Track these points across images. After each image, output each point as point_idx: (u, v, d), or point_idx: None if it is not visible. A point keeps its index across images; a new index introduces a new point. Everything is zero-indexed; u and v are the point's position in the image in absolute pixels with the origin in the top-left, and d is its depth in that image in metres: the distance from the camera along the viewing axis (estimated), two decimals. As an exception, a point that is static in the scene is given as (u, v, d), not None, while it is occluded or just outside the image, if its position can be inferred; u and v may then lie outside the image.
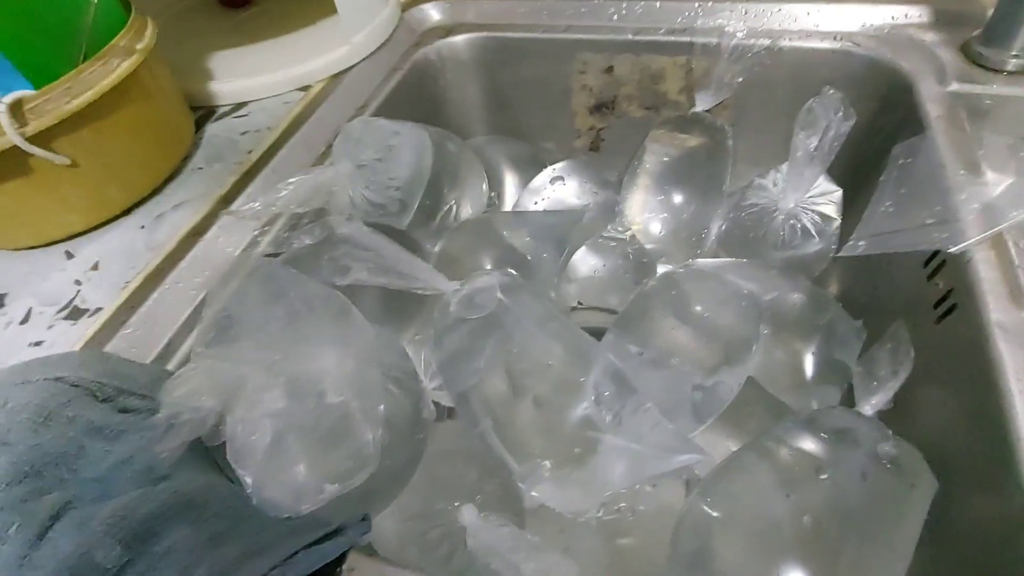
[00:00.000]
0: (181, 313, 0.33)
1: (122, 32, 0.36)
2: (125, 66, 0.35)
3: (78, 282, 0.36)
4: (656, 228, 0.57)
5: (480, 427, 0.33)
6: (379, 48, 0.53)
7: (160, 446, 0.24)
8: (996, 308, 0.31)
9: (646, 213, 0.57)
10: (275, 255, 0.37)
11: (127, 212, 0.40)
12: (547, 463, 0.33)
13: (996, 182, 0.37)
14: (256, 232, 0.37)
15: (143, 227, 0.39)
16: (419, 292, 0.36)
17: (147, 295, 0.35)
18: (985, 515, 0.27)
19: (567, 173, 0.58)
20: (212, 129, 0.46)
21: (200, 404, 0.25)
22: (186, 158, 0.44)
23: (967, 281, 0.33)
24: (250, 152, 0.43)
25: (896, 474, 0.30)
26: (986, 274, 0.32)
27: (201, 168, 0.43)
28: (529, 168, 0.60)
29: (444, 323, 0.35)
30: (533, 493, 0.33)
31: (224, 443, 0.26)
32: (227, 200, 0.40)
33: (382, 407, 0.26)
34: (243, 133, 0.45)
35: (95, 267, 0.37)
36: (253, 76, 0.49)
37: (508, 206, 0.60)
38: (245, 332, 0.31)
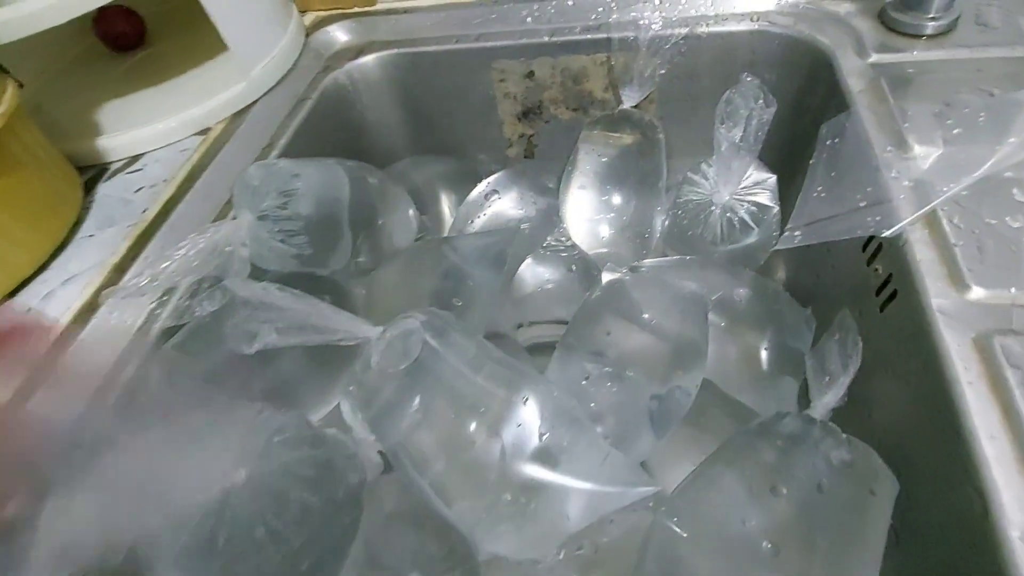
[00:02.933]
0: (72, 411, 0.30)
1: (-27, 100, 0.33)
2: (-21, 138, 0.32)
3: (-42, 383, 0.32)
4: (599, 231, 0.56)
5: (417, 485, 0.31)
6: (283, 79, 0.50)
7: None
8: (936, 292, 0.29)
9: (587, 217, 0.55)
10: (177, 328, 0.34)
11: (11, 295, 0.36)
12: (494, 512, 0.31)
13: (924, 155, 0.35)
14: (153, 304, 0.34)
15: (29, 310, 0.35)
16: (342, 344, 0.34)
17: (34, 389, 0.31)
18: (947, 517, 0.26)
19: (502, 185, 0.56)
20: (104, 190, 0.43)
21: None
22: (75, 226, 0.40)
23: (905, 265, 0.31)
24: (145, 211, 0.40)
25: (854, 481, 0.28)
26: (923, 256, 0.31)
27: (92, 235, 0.39)
28: (463, 184, 0.57)
29: (367, 376, 0.32)
30: (485, 545, 0.31)
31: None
32: (121, 269, 0.37)
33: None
34: (137, 190, 0.42)
35: (-23, 363, 0.33)
36: (145, 125, 0.45)
37: (447, 227, 0.57)
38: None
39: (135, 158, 0.45)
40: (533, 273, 0.56)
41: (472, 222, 0.53)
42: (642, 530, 0.34)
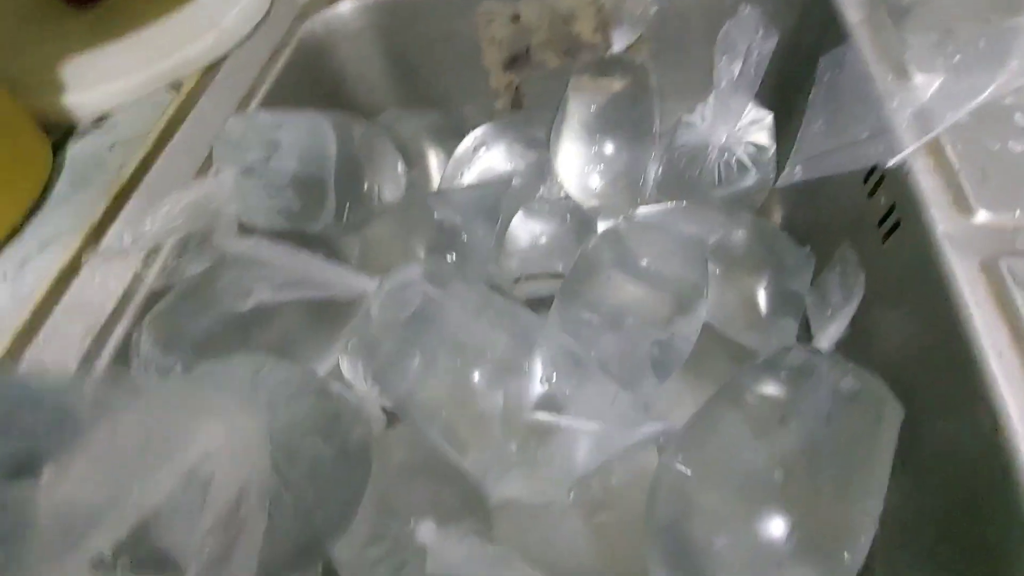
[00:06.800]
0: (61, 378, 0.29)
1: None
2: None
3: (-64, 355, 0.31)
4: (593, 182, 0.54)
5: (427, 433, 0.31)
6: (256, 28, 0.47)
7: None
8: (941, 219, 0.29)
9: (579, 169, 0.54)
10: (166, 289, 0.33)
11: (-16, 263, 0.35)
12: (505, 458, 0.31)
13: (926, 84, 0.35)
14: (138, 266, 0.33)
15: (5, 278, 0.34)
16: (339, 299, 0.33)
17: (18, 358, 0.30)
18: (955, 437, 0.26)
19: (490, 138, 0.54)
20: (75, 149, 0.40)
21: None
22: (47, 188, 0.38)
23: (908, 193, 0.31)
24: (121, 168, 0.38)
25: (860, 410, 0.29)
26: (927, 183, 0.31)
27: (67, 197, 0.37)
28: (450, 138, 0.55)
29: (368, 329, 0.31)
30: (496, 490, 0.31)
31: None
32: (101, 230, 0.35)
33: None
34: (111, 147, 0.39)
35: (-45, 334, 0.32)
36: (113, 80, 0.42)
37: (435, 182, 0.56)
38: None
39: (105, 116, 0.42)
40: (526, 227, 0.55)
41: (461, 175, 0.52)
42: (650, 471, 0.34)
